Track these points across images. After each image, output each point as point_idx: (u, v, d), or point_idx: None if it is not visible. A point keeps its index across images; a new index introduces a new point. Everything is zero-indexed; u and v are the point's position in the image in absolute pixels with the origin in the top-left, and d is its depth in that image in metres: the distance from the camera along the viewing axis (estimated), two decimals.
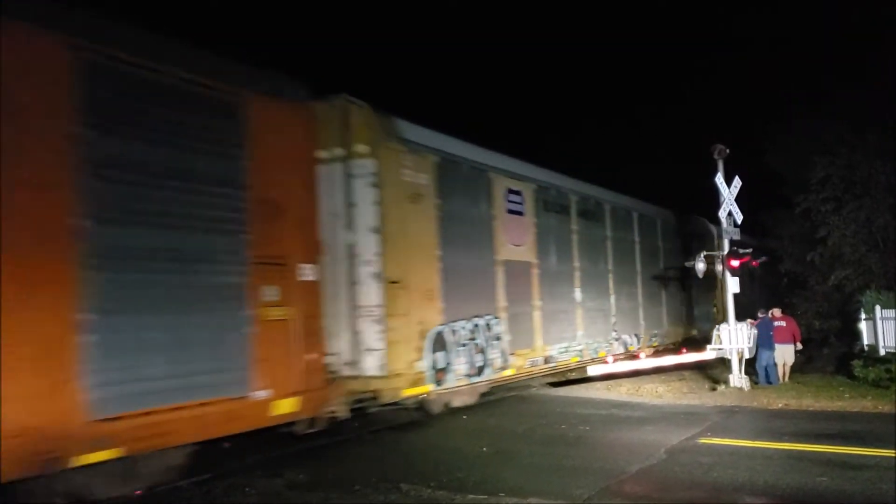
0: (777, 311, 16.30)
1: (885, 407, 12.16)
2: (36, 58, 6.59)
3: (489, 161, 13.83)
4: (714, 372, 16.83)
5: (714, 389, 14.98)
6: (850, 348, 17.57)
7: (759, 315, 16.35)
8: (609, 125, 37.14)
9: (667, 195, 23.84)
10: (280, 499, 7.59)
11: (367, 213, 10.79)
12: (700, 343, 18.10)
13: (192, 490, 7.92)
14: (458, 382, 12.08)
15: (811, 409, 12.68)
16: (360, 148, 10.86)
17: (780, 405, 13.01)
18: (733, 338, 15.41)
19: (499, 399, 14.40)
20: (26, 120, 6.47)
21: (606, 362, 16.23)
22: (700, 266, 16.29)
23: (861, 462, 8.47)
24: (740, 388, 14.78)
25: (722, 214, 15.89)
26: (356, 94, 11.00)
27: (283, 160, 8.92)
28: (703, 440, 9.98)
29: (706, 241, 21.37)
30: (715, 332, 15.95)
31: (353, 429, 11.14)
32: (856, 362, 15.69)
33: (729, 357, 15.42)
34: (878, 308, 16.78)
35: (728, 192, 15.81)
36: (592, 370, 15.65)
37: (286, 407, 8.63)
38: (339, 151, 10.83)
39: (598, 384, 15.90)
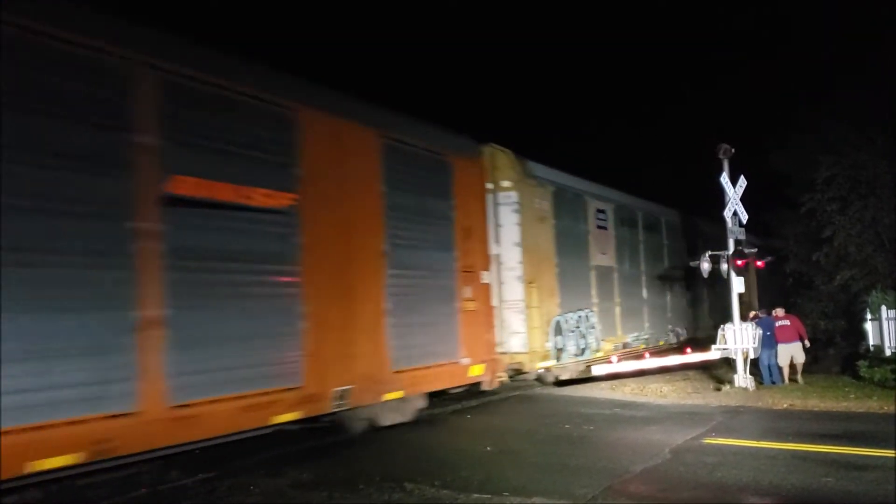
0: (780, 311, 16.19)
1: (890, 407, 12.11)
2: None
3: (585, 188, 17.74)
4: (719, 372, 16.79)
5: (719, 389, 14.95)
6: (856, 349, 17.53)
7: (760, 314, 16.31)
8: (613, 126, 37.06)
9: (672, 195, 23.87)
10: (284, 498, 7.60)
11: (511, 232, 14.69)
12: None
13: (196, 488, 7.94)
14: (569, 360, 15.72)
15: (816, 409, 12.65)
16: (506, 183, 14.74)
17: (785, 405, 12.98)
18: (738, 338, 15.37)
19: (503, 398, 14.41)
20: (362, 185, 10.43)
21: (666, 353, 17.82)
22: (705, 266, 16.27)
23: (866, 463, 8.44)
24: (745, 389, 14.75)
25: (727, 214, 15.85)
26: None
27: (470, 197, 12.80)
28: (708, 440, 9.96)
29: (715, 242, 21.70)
30: (720, 332, 15.91)
31: (357, 427, 11.16)
32: (861, 363, 15.65)
33: (734, 357, 15.39)
34: (883, 308, 16.73)
35: (733, 192, 15.77)
36: (597, 370, 15.65)
37: (477, 371, 12.38)
38: (489, 186, 14.17)
39: (603, 384, 15.88)
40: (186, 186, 7.59)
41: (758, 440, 9.92)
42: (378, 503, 7.30)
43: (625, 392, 15.08)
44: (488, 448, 9.70)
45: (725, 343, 15.63)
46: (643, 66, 41.69)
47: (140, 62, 7.44)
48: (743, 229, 16.03)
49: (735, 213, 15.83)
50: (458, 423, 11.86)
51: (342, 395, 9.50)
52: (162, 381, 7.33)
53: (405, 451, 9.76)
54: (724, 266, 16.14)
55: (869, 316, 17.43)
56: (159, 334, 7.34)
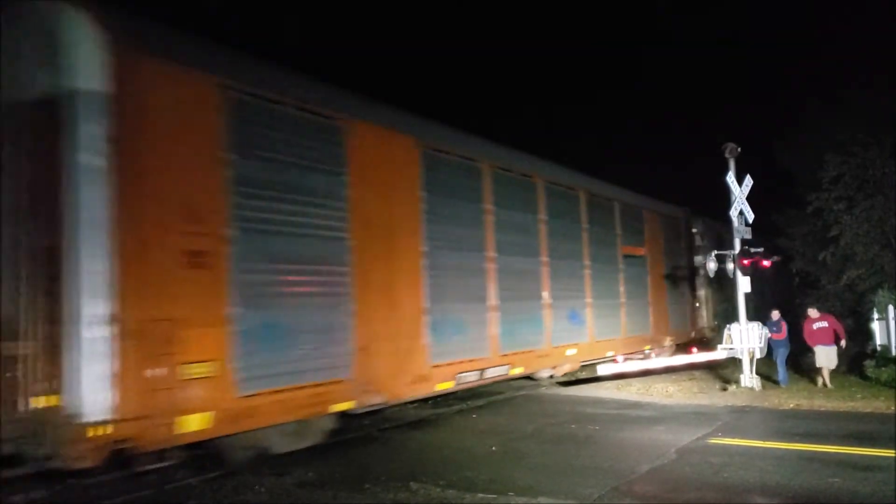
0: (815, 311, 15.55)
1: None
2: None
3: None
4: (725, 372, 16.75)
5: (725, 389, 14.91)
6: (863, 348, 17.45)
7: (773, 316, 15.81)
8: (620, 123, 36.98)
9: (680, 194, 23.81)
10: (289, 497, 7.60)
11: None
12: None
13: (201, 487, 7.95)
14: None
15: (823, 409, 12.61)
16: None
17: (791, 405, 12.94)
18: (744, 337, 15.32)
19: (508, 398, 14.39)
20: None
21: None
22: (711, 265, 16.23)
23: (873, 463, 8.41)
24: (751, 388, 14.71)
25: (733, 213, 15.80)
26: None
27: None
28: (714, 440, 9.94)
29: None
30: (726, 332, 15.86)
31: (362, 427, 11.16)
32: (868, 362, 15.60)
33: (740, 357, 15.34)
34: (890, 308, 16.67)
35: (739, 191, 15.72)
36: (602, 369, 15.62)
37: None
38: None
39: (608, 384, 15.85)
40: None
41: (764, 440, 9.90)
42: (383, 502, 7.29)
43: (630, 392, 15.06)
44: (493, 448, 9.69)
45: (731, 343, 15.58)
46: (654, 64, 41.60)
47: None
48: (749, 228, 15.98)
49: (741, 213, 15.78)
50: (463, 423, 11.86)
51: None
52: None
53: (410, 451, 9.76)
54: (712, 265, 16.12)
55: (876, 315, 17.35)
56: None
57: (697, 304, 22.63)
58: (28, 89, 7.06)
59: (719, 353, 15.97)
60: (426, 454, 9.51)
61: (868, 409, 12.28)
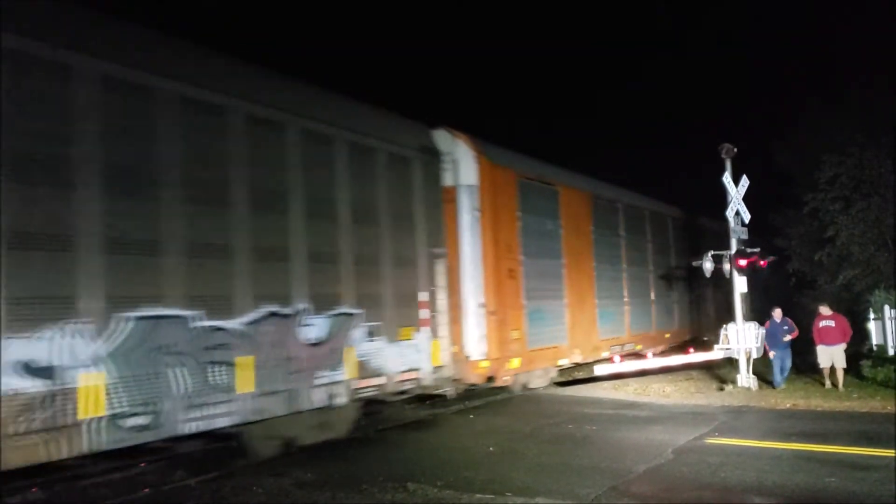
0: (826, 309, 14.99)
1: (893, 407, 12.09)
2: None
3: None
4: (722, 372, 16.78)
5: (722, 389, 14.94)
6: (859, 348, 17.52)
7: (773, 314, 15.28)
8: (615, 122, 37.05)
9: (676, 194, 23.87)
10: (287, 497, 7.61)
11: None
12: None
13: (200, 488, 7.95)
14: None
15: (819, 409, 12.64)
16: None
17: (788, 405, 12.97)
18: (741, 337, 15.36)
19: (506, 398, 14.41)
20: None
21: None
22: (707, 265, 16.25)
23: (870, 463, 8.44)
24: (748, 388, 14.75)
25: (730, 214, 15.84)
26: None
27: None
28: (711, 440, 9.96)
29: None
30: (722, 332, 15.89)
31: (359, 427, 11.17)
32: (864, 362, 15.63)
33: (737, 357, 15.37)
34: (886, 308, 16.72)
35: (736, 192, 15.75)
36: (599, 370, 15.64)
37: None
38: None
39: (605, 384, 15.88)
40: None
41: (761, 440, 9.92)
42: (381, 503, 7.31)
43: (628, 392, 15.09)
44: (491, 448, 9.71)
45: (728, 343, 15.61)
46: (651, 63, 41.64)
47: None
48: (746, 229, 16.01)
49: (738, 213, 15.81)
50: (460, 423, 11.87)
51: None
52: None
53: (408, 451, 9.78)
54: (708, 265, 16.13)
55: (872, 315, 17.41)
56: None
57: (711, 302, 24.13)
58: (444, 184, 12.80)
59: (716, 353, 16.00)
60: (424, 455, 9.52)
61: (864, 409, 12.32)
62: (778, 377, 14.97)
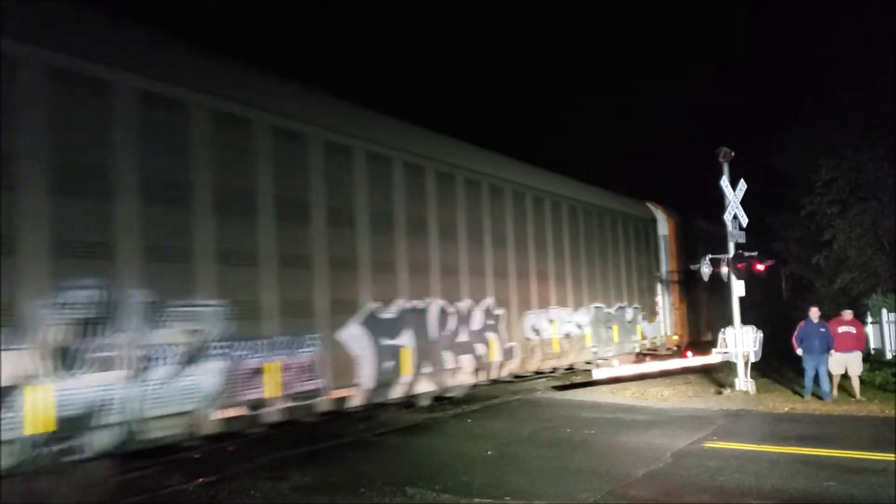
0: (848, 314, 14.30)
1: (891, 411, 12.09)
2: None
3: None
4: (720, 375, 16.78)
5: (720, 393, 14.94)
6: None
7: (810, 313, 14.20)
8: (612, 125, 37.09)
9: (671, 195, 23.88)
10: (285, 501, 7.58)
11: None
12: None
13: (197, 492, 7.92)
14: None
15: (817, 412, 12.63)
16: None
17: (786, 409, 12.97)
18: (739, 341, 15.36)
19: (503, 402, 14.39)
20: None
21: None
22: (705, 269, 16.27)
23: (868, 466, 8.43)
24: (746, 392, 14.74)
25: (727, 217, 15.84)
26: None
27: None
28: (709, 444, 9.95)
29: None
30: (720, 336, 15.89)
31: (357, 431, 11.15)
32: (863, 366, 15.62)
33: (734, 360, 15.37)
34: (884, 311, 16.75)
35: (733, 195, 15.75)
36: (598, 373, 15.62)
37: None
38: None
39: (603, 388, 15.86)
40: None
41: (759, 444, 9.91)
42: None
43: (626, 396, 15.07)
44: (489, 452, 9.69)
45: (726, 346, 15.61)
46: (649, 68, 41.72)
47: None
48: (743, 233, 16.00)
49: (735, 217, 15.81)
50: (458, 427, 11.84)
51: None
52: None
53: (406, 455, 9.75)
54: (706, 269, 16.15)
55: (870, 319, 17.44)
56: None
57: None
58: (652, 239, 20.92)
59: (714, 357, 16.00)
60: (422, 459, 9.49)
61: (863, 413, 12.32)
62: (809, 384, 13.95)
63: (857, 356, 13.94)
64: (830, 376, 13.82)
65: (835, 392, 13.83)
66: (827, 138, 19.05)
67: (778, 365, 17.16)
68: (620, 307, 18.34)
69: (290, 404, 9.07)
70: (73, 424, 6.79)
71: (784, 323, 16.93)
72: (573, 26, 42.03)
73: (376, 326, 10.52)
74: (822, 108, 20.39)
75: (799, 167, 20.27)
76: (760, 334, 15.44)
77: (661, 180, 30.58)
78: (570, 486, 7.82)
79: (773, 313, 22.61)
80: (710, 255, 16.52)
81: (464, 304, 12.50)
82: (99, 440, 7.07)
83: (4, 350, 6.32)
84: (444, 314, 11.96)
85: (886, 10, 18.41)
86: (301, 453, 9.69)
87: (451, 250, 12.32)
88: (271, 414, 8.85)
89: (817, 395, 13.72)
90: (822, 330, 13.98)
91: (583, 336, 16.29)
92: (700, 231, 22.62)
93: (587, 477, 8.23)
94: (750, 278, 15.78)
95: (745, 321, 15.54)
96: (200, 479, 8.29)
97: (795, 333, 14.24)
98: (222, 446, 9.33)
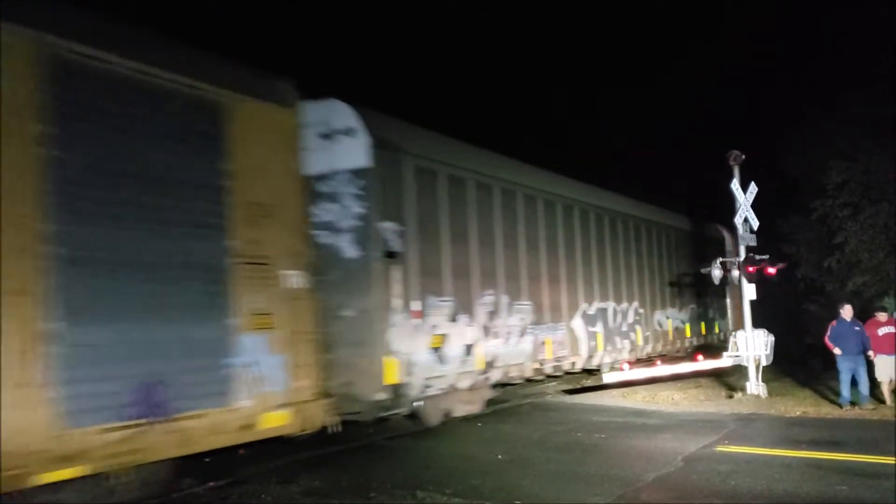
0: (883, 315, 13.42)
1: None
2: None
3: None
4: (731, 379, 16.70)
5: (731, 397, 14.87)
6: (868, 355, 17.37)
7: (842, 312, 13.52)
8: (620, 129, 36.95)
9: (682, 201, 23.85)
10: None
11: None
12: None
13: (208, 496, 7.95)
14: None
15: (830, 416, 12.56)
16: None
17: (798, 413, 12.89)
18: (750, 344, 15.29)
19: (514, 406, 14.37)
20: None
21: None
22: (716, 273, 16.21)
23: (881, 471, 8.36)
24: (758, 396, 14.66)
25: (738, 220, 15.78)
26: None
27: None
28: (721, 448, 9.91)
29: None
30: (731, 339, 15.82)
31: (367, 435, 11.16)
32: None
33: (746, 364, 15.29)
34: None
35: (744, 198, 15.69)
36: (608, 377, 15.58)
37: None
38: None
39: (614, 391, 15.82)
40: None
41: (771, 448, 9.86)
42: None
43: (636, 400, 15.02)
44: (499, 456, 9.68)
45: (737, 350, 15.54)
46: (656, 69, 41.60)
47: None
48: (754, 235, 15.93)
49: (746, 220, 15.75)
50: (468, 431, 11.83)
51: None
52: None
53: (416, 459, 9.75)
54: (717, 272, 16.09)
55: None
56: None
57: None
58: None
59: (725, 361, 15.93)
60: (432, 462, 9.49)
61: (876, 417, 12.22)
62: (847, 392, 13.17)
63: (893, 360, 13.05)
64: (873, 381, 13.12)
65: (889, 399, 12.97)
66: (837, 140, 18.95)
67: (790, 368, 17.06)
68: (702, 307, 22.62)
69: (553, 363, 14.72)
70: (491, 365, 12.74)
71: (796, 326, 16.82)
72: (573, 26, 42.00)
73: (586, 319, 16.02)
74: (832, 110, 20.29)
75: (807, 169, 20.17)
76: (772, 338, 15.35)
77: (669, 182, 30.40)
78: (581, 491, 7.80)
79: (785, 316, 22.52)
80: (720, 259, 16.46)
81: (623, 305, 17.76)
82: (495, 375, 12.93)
83: (468, 326, 12.17)
84: (615, 312, 17.34)
85: (894, 8, 18.32)
86: (311, 457, 9.71)
87: (618, 275, 17.73)
88: (547, 368, 14.60)
89: (855, 402, 12.96)
90: (857, 329, 13.27)
91: (684, 328, 21.37)
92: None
93: (598, 481, 8.20)
94: (761, 281, 15.70)
95: (757, 324, 15.48)
96: (211, 483, 8.33)
97: (828, 333, 13.51)
98: (235, 450, 9.36)
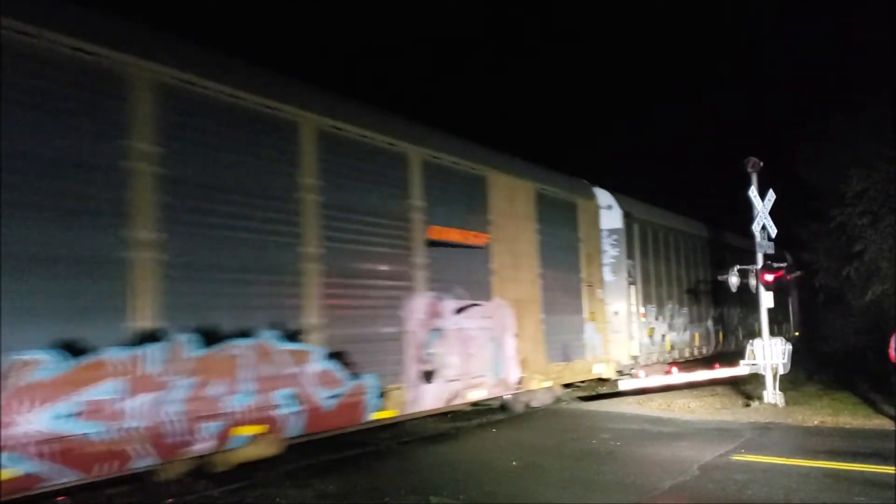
0: None
1: None
2: None
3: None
4: (748, 388, 16.58)
5: (748, 405, 14.75)
6: (888, 365, 17.17)
7: None
8: (641, 137, 36.89)
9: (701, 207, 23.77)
10: None
11: None
12: None
13: (223, 499, 7.98)
14: None
15: (848, 426, 12.43)
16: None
17: (816, 422, 12.78)
18: (767, 353, 15.17)
19: (528, 413, 14.33)
20: None
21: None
22: (733, 280, 16.13)
23: None
24: (775, 405, 14.54)
25: (756, 228, 15.68)
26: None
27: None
28: (737, 457, 9.83)
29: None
30: (748, 347, 15.70)
31: (382, 440, 11.17)
32: (894, 379, 15.33)
33: (763, 372, 15.18)
34: None
35: (762, 206, 15.60)
36: (624, 385, 15.51)
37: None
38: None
39: (629, 399, 15.75)
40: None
41: (788, 457, 9.77)
42: None
43: (652, 407, 14.94)
44: (514, 463, 9.66)
45: (754, 358, 15.42)
46: (677, 77, 41.54)
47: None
48: (772, 243, 15.83)
49: (764, 227, 15.65)
50: (483, 438, 11.82)
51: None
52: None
53: (430, 465, 9.75)
54: (734, 279, 16.13)
55: None
56: None
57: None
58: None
59: (742, 369, 15.81)
60: (446, 468, 9.48)
61: (894, 427, 12.08)
62: None
63: None
64: None
65: None
66: (856, 148, 18.79)
67: (807, 377, 16.91)
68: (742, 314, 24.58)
69: (697, 349, 20.38)
70: (673, 347, 18.21)
71: (815, 334, 16.68)
72: (593, 40, 41.98)
73: (713, 321, 21.54)
74: (848, 118, 20.14)
75: (826, 177, 20.02)
76: (789, 346, 15.24)
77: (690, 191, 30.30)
78: (597, 498, 7.77)
79: (804, 325, 22.34)
80: (738, 266, 16.38)
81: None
82: (674, 355, 18.69)
83: (662, 323, 18.76)
84: (715, 319, 22.11)
85: None
86: (325, 461, 9.74)
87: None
88: (695, 353, 19.89)
89: None
90: None
91: (718, 331, 23.09)
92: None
93: (613, 489, 8.17)
94: (780, 289, 15.58)
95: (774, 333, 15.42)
96: (226, 486, 8.36)
97: (893, 345, 12.70)
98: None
